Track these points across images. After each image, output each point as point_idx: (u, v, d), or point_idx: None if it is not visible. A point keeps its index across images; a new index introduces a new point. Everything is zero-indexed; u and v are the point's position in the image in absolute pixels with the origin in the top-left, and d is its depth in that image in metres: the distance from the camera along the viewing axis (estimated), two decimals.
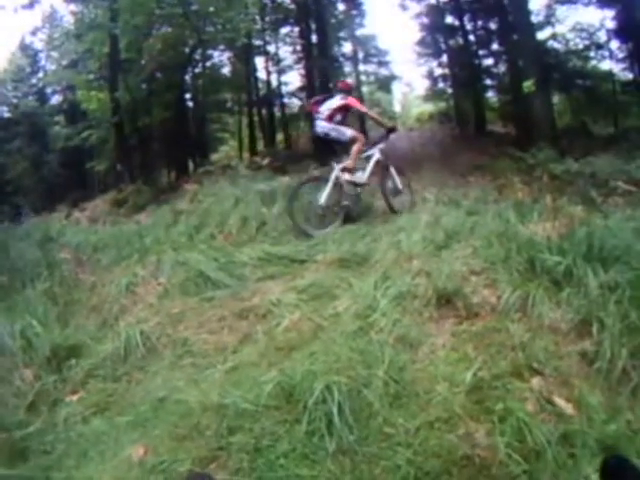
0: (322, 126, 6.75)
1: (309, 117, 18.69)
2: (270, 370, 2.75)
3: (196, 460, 2.27)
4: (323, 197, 6.14)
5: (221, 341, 3.48)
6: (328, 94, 7.69)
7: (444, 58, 20.18)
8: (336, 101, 6.76)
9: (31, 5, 15.42)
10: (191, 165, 19.52)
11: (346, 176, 6.40)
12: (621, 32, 14.44)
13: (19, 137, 27.07)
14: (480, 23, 18.24)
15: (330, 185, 6.24)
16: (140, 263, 5.60)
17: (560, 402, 2.35)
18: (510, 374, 2.54)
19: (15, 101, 28.67)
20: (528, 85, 11.25)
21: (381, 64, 24.11)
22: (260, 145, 21.57)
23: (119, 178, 16.80)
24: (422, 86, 24.43)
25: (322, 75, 16.97)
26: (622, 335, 2.62)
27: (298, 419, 2.33)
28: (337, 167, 6.45)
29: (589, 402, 2.32)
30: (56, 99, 28.39)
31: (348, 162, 6.52)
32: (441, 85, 21.01)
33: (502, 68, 17.82)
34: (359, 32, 23.05)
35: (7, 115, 28.66)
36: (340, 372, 2.48)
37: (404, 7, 20.19)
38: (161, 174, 19.41)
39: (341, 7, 21.42)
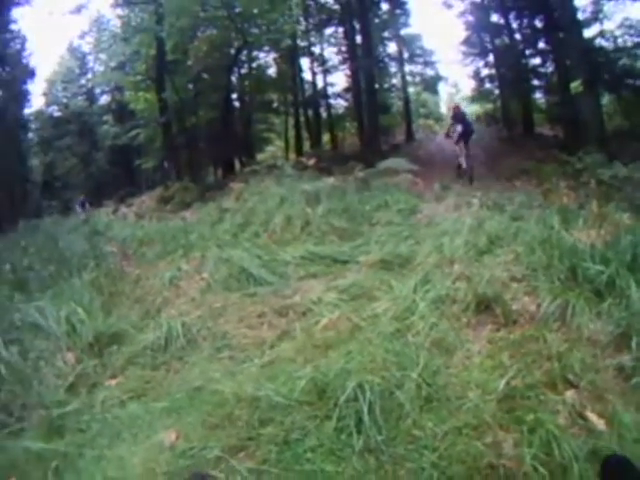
0: None
1: (356, 118, 18.76)
2: (305, 366, 2.80)
3: (225, 448, 2.34)
4: None
5: (260, 336, 3.56)
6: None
7: (490, 58, 19.75)
8: None
9: (78, 10, 16.23)
10: (237, 164, 19.85)
11: None
12: None
13: (69, 135, 28.39)
14: (526, 21, 17.71)
15: None
16: (184, 258, 5.79)
17: (592, 417, 2.29)
18: (544, 385, 2.49)
19: (65, 101, 30.08)
20: (576, 86, 10.86)
21: (427, 64, 23.84)
22: (306, 146, 21.83)
23: (166, 176, 17.33)
24: (468, 87, 23.97)
25: (367, 76, 16.88)
26: None
27: (328, 415, 2.37)
28: None
29: (622, 419, 2.24)
30: (104, 99, 29.62)
31: None
32: (488, 86, 20.60)
33: (550, 68, 17.26)
34: (404, 32, 22.84)
35: (57, 114, 30.08)
36: (374, 372, 2.51)
37: (448, 5, 19.96)
38: (207, 172, 19.86)
39: (385, 7, 21.32)
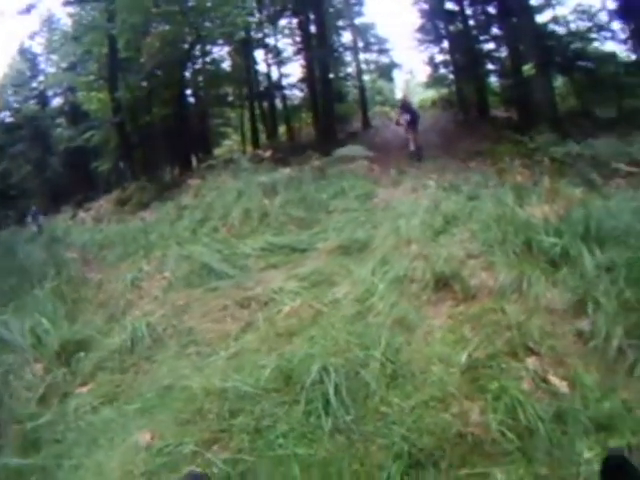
0: None
1: (311, 108, 18.80)
2: (270, 355, 2.84)
3: (199, 442, 2.36)
4: None
5: (224, 329, 3.58)
6: None
7: (445, 44, 19.96)
8: None
9: (28, 10, 15.61)
10: (194, 160, 19.59)
11: None
12: (623, 13, 14.19)
13: (22, 141, 27.24)
14: (480, 8, 18.04)
15: None
16: (145, 259, 5.78)
17: (555, 381, 2.37)
18: (506, 354, 2.57)
19: (17, 105, 28.83)
20: (528, 69, 11.14)
21: (381, 52, 23.91)
22: (263, 138, 21.58)
23: (122, 177, 16.95)
24: (424, 73, 24.17)
25: (322, 65, 16.83)
26: (617, 314, 2.64)
27: (296, 400, 2.41)
28: None
29: (584, 381, 2.34)
30: (57, 102, 28.51)
31: None
32: (442, 71, 20.77)
33: (503, 52, 17.62)
34: (358, 21, 22.86)
35: (9, 120, 28.85)
36: (337, 354, 2.56)
37: None
38: (164, 171, 19.50)
39: None
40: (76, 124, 23.55)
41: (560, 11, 15.35)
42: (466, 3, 18.09)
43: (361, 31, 23.04)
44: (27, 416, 3.16)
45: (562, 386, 2.34)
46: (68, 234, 10.51)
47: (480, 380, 2.43)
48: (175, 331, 3.74)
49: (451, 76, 20.11)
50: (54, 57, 25.06)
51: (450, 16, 18.69)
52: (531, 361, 2.51)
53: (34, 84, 28.60)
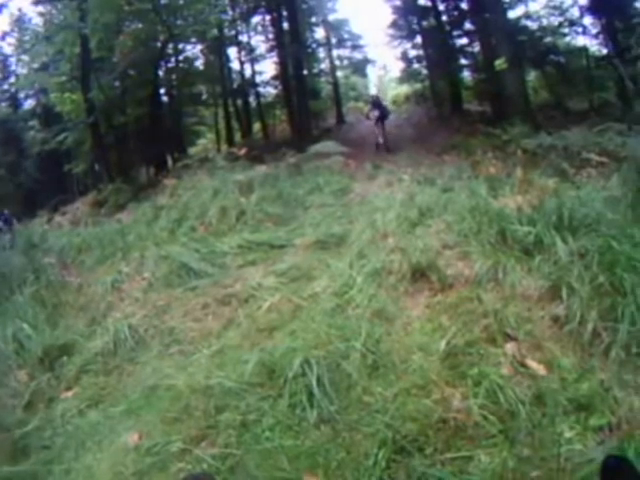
0: None
1: (286, 105, 18.76)
2: (253, 350, 2.87)
3: (187, 440, 2.38)
4: None
5: (206, 327, 3.61)
6: None
7: (418, 39, 20.08)
8: None
9: None
10: (169, 160, 19.37)
11: None
12: (594, 8, 14.49)
13: None
14: (452, 3, 18.19)
15: None
16: (124, 261, 5.72)
17: (533, 364, 2.45)
18: (484, 340, 2.65)
19: None
20: (499, 63, 11.31)
21: (355, 48, 23.92)
22: (237, 136, 21.47)
23: (98, 179, 16.68)
24: (397, 68, 24.26)
25: (295, 62, 16.86)
26: (591, 298, 2.72)
27: (281, 394, 2.45)
28: None
29: (561, 363, 2.42)
30: (29, 103, 27.79)
31: None
32: (416, 66, 20.85)
33: (476, 47, 17.83)
34: (331, 17, 22.88)
35: None
36: (319, 347, 2.60)
37: None
38: (140, 171, 19.23)
39: None
40: (49, 126, 22.97)
41: (532, 7, 15.62)
42: None
43: (334, 27, 23.02)
44: (14, 424, 3.14)
45: (540, 369, 2.41)
46: (45, 239, 10.22)
47: (460, 367, 2.49)
48: (157, 331, 3.74)
49: (424, 71, 20.25)
50: (25, 58, 24.36)
51: (423, 12, 18.80)
52: (509, 346, 2.58)
53: (5, 86, 27.86)
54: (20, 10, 21.07)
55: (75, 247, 8.08)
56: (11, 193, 24.74)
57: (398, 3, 19.82)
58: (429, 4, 18.39)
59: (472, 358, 2.54)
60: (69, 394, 3.38)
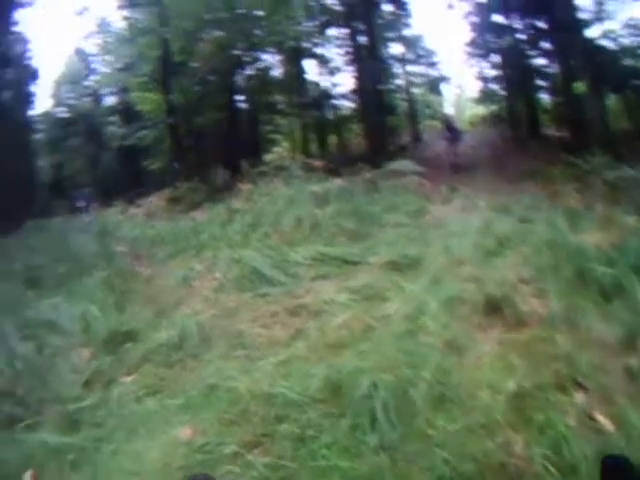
0: None
1: (362, 120, 18.75)
2: (319, 365, 2.85)
3: (241, 444, 2.39)
4: None
5: (274, 335, 3.61)
6: None
7: (495, 58, 19.61)
8: None
9: (83, 11, 16.50)
10: (244, 165, 19.86)
11: None
12: None
13: (76, 136, 28.47)
14: (529, 21, 17.56)
15: None
16: (196, 258, 5.87)
17: (601, 418, 2.31)
18: (553, 386, 2.53)
19: (72, 102, 30.17)
20: (579, 86, 10.80)
21: (430, 65, 23.65)
22: (312, 147, 21.70)
23: (174, 176, 17.31)
24: (474, 88, 23.69)
25: (372, 77, 16.73)
26: None
27: (343, 413, 2.42)
28: None
29: (630, 420, 2.26)
30: (111, 100, 29.62)
31: None
32: (492, 86, 20.42)
33: (554, 68, 17.15)
34: (406, 32, 22.77)
35: (64, 115, 30.20)
36: (387, 371, 2.55)
37: (451, 6, 19.59)
38: (215, 173, 19.84)
39: (387, 8, 21.20)
40: (129, 123, 24.33)
41: (611, 26, 14.78)
42: (516, 17, 17.67)
43: (410, 43, 22.91)
44: (70, 398, 3.25)
45: (608, 424, 2.27)
46: (119, 228, 10.74)
47: (526, 410, 2.39)
48: (224, 332, 3.79)
49: (501, 92, 19.72)
50: (108, 58, 26.02)
51: (499, 29, 18.26)
52: (578, 396, 2.46)
53: (89, 82, 29.84)
54: (104, 13, 22.38)
55: (148, 239, 8.42)
56: (89, 183, 26.41)
57: (476, 20, 19.43)
58: (505, 22, 17.84)
59: (539, 403, 2.42)
60: (128, 379, 3.47)
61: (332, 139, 22.27)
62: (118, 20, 21.20)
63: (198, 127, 18.60)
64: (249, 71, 20.22)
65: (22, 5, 20.74)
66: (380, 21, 19.96)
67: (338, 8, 19.19)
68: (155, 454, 2.46)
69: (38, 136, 28.68)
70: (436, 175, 9.79)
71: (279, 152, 24.72)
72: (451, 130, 13.48)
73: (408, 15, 22.18)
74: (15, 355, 3.84)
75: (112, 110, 28.69)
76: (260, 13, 16.14)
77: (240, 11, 15.70)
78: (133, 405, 3.06)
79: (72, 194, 19.66)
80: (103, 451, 2.62)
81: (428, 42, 23.81)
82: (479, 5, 18.61)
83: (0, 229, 17.11)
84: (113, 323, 4.31)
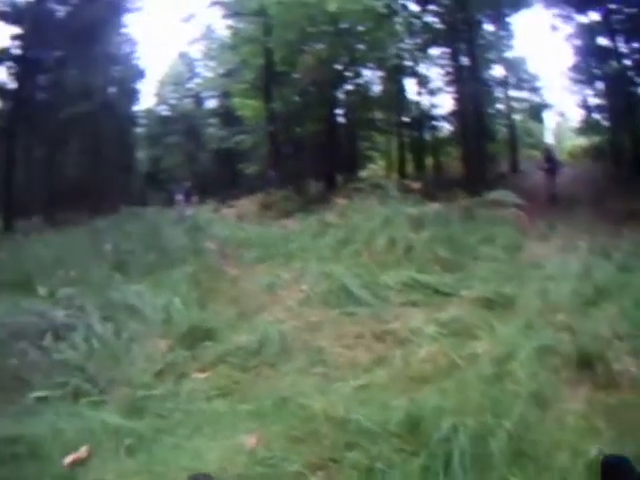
0: None
1: (460, 143, 18.25)
2: (400, 397, 2.78)
3: (306, 464, 2.35)
4: None
5: (356, 357, 3.58)
6: None
7: (599, 85, 18.27)
8: None
9: (188, 19, 17.94)
10: (340, 179, 20.02)
11: None
12: None
13: (176, 134, 30.44)
14: (636, 45, 16.06)
15: None
16: (284, 267, 5.98)
17: None
18: (637, 458, 2.31)
19: (173, 102, 32.32)
20: None
21: (532, 90, 22.53)
22: (408, 167, 21.38)
23: (269, 183, 17.86)
24: (577, 116, 22.14)
25: (474, 99, 16.35)
26: None
27: (417, 452, 2.33)
28: None
29: None
30: (212, 103, 31.36)
31: None
32: (596, 116, 19.04)
33: None
34: (508, 54, 21.89)
35: (166, 113, 32.45)
36: (468, 415, 2.44)
37: (554, 28, 18.50)
38: (310, 184, 20.21)
39: (489, 28, 20.53)
40: (228, 126, 25.60)
41: None
42: (621, 39, 16.26)
43: (512, 66, 22.01)
44: (140, 384, 3.38)
45: None
46: (210, 226, 11.14)
47: None
48: (305, 346, 3.80)
49: (605, 122, 18.36)
50: (211, 63, 27.63)
51: (603, 54, 16.91)
52: None
53: (191, 85, 31.79)
54: (208, 21, 23.48)
55: (237, 240, 8.68)
56: (185, 178, 28.13)
57: (579, 43, 18.22)
58: (610, 45, 16.29)
59: None
60: (202, 376, 3.56)
61: (428, 160, 21.82)
62: (222, 28, 22.46)
63: (297, 137, 19.08)
64: (349, 86, 20.46)
65: (131, 10, 22.93)
66: (482, 41, 19.39)
67: (440, 26, 18.95)
68: (215, 456, 2.47)
69: (140, 130, 31.08)
70: (533, 208, 9.23)
71: (374, 169, 24.66)
72: (550, 161, 13.27)
73: (511, 36, 21.34)
74: (93, 333, 4.04)
75: (212, 113, 30.40)
76: (363, 28, 16.23)
77: (343, 25, 15.88)
78: (202, 403, 3.11)
79: (171, 187, 20.85)
80: (163, 443, 2.68)
81: (531, 66, 22.51)
82: (583, 27, 17.38)
83: (98, 212, 18.69)
84: (194, 319, 4.42)
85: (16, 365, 3.58)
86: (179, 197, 16.91)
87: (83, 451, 2.59)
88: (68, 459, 2.54)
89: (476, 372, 3.05)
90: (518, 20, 22.59)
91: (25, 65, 18.85)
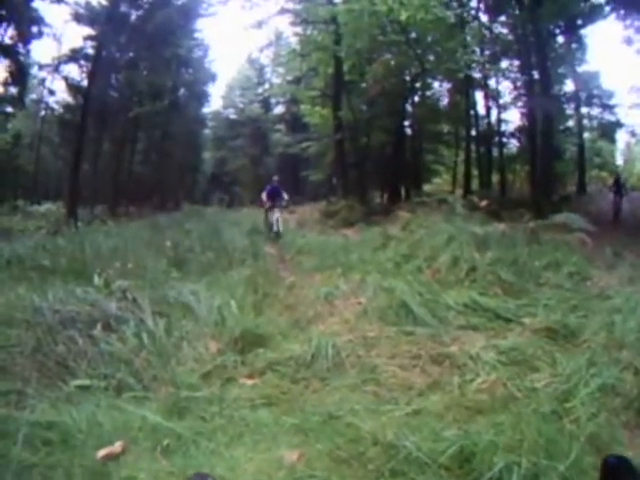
0: None
1: (528, 161, 17.50)
2: (452, 426, 2.68)
3: None
4: None
5: (410, 379, 3.46)
6: None
7: None
8: None
9: (259, 25, 18.33)
10: (403, 192, 19.82)
11: None
12: None
13: (242, 137, 31.53)
14: None
15: None
16: (343, 277, 5.86)
17: None
18: None
19: (241, 106, 33.43)
20: None
21: (605, 108, 21.27)
22: (474, 183, 21.02)
23: (332, 191, 17.98)
24: None
25: (544, 116, 15.63)
26: None
27: None
28: None
29: None
30: (279, 109, 32.15)
31: None
32: None
33: None
34: (581, 69, 20.73)
35: (233, 116, 33.59)
36: (522, 453, 2.31)
37: (629, 41, 17.31)
38: (373, 195, 20.08)
39: (561, 39, 19.53)
40: (294, 132, 26.13)
41: None
42: None
43: (584, 80, 20.83)
44: (185, 384, 3.34)
45: None
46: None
47: None
48: (358, 362, 3.70)
49: None
50: (280, 69, 28.35)
51: None
52: None
53: (259, 90, 32.77)
54: (277, 28, 24.13)
55: (296, 247, 8.74)
56: (249, 181, 28.92)
57: None
58: None
59: None
60: (249, 382, 3.51)
61: (494, 177, 21.23)
62: (290, 35, 22.96)
63: (363, 147, 19.09)
64: (418, 97, 20.21)
65: (204, 15, 24.24)
66: (553, 54, 18.51)
67: (510, 38, 18.36)
68: (253, 468, 2.43)
69: (207, 131, 32.36)
70: (599, 234, 8.76)
71: (439, 183, 24.25)
72: (619, 185, 14.41)
73: (584, 49, 20.27)
74: (144, 328, 4.04)
75: (279, 118, 31.23)
76: (433, 38, 16.12)
77: (414, 35, 15.82)
78: (246, 411, 3.04)
79: (232, 189, 21.56)
80: (201, 447, 2.61)
81: (605, 81, 21.24)
82: None
83: (161, 208, 19.52)
84: (248, 323, 4.39)
85: (62, 352, 3.60)
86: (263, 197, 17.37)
87: (117, 446, 2.57)
88: (102, 452, 2.51)
89: (534, 407, 2.88)
90: (592, 32, 21.18)
91: (97, 64, 20.09)
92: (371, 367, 3.62)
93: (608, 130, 21.80)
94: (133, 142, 24.39)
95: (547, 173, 15.68)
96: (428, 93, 20.91)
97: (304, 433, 2.76)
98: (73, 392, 3.25)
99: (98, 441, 2.60)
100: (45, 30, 20.16)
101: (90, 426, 2.73)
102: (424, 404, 3.05)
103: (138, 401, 3.16)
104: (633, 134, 24.12)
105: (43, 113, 25.23)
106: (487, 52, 19.45)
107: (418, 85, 19.50)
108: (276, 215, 11.30)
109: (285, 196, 12.32)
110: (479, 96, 21.03)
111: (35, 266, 6.29)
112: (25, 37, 19.43)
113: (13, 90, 20.22)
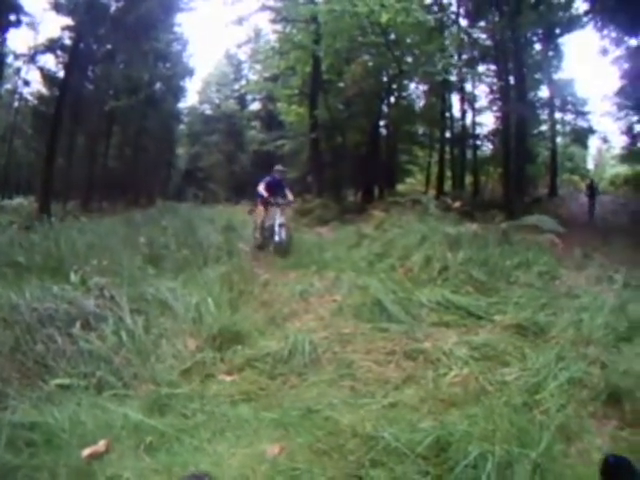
0: None
1: (501, 164, 17.97)
2: (428, 418, 2.77)
3: (329, 479, 2.34)
4: None
5: (385, 374, 3.54)
6: None
7: None
8: None
9: (239, 21, 18.18)
10: (377, 191, 19.98)
11: None
12: None
13: (217, 133, 31.22)
14: None
15: None
16: (317, 275, 5.95)
17: None
18: None
19: (217, 102, 33.11)
20: None
21: (578, 114, 22.03)
22: (447, 183, 21.43)
23: (306, 189, 17.96)
24: (620, 143, 21.48)
25: (519, 120, 16.10)
26: None
27: (441, 476, 2.32)
28: None
29: None
30: (255, 106, 31.97)
31: None
32: None
33: None
34: (556, 76, 21.42)
35: (209, 112, 33.25)
36: (495, 442, 2.41)
37: (605, 51, 17.93)
38: (347, 194, 20.15)
39: (538, 47, 20.10)
40: (270, 130, 26.07)
41: None
42: None
43: (559, 87, 21.53)
44: (166, 382, 3.35)
45: None
46: (244, 227, 11.19)
47: None
48: (335, 358, 3.77)
49: None
50: (257, 67, 28.19)
51: None
52: None
53: (235, 86, 32.52)
54: (257, 25, 24.24)
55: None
56: (224, 177, 28.71)
57: (626, 67, 17.63)
58: None
59: None
60: (228, 378, 3.53)
61: (467, 178, 21.75)
62: (270, 33, 22.87)
63: (338, 146, 19.18)
64: (394, 98, 20.41)
65: (184, 9, 23.88)
66: (530, 61, 19.10)
67: (488, 43, 18.76)
68: (236, 462, 2.47)
69: (182, 127, 31.94)
70: (569, 236, 9.05)
71: (412, 183, 24.53)
72: (590, 189, 15.44)
73: (560, 57, 20.94)
74: (123, 325, 4.01)
75: (255, 115, 31.02)
76: (412, 41, 16.37)
77: (393, 37, 16.02)
78: (226, 407, 3.07)
79: (206, 185, 21.37)
80: (184, 443, 2.63)
81: (579, 88, 22.05)
82: (633, 50, 16.86)
83: (137, 204, 19.16)
84: (225, 320, 4.38)
85: (42, 351, 3.55)
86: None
87: (101, 445, 2.56)
88: (86, 452, 2.50)
89: (505, 399, 3.00)
90: (568, 41, 22.03)
91: (74, 56, 19.54)
92: (347, 363, 3.70)
93: (581, 136, 22.57)
94: (108, 136, 23.91)
95: (519, 175, 16.14)
96: (404, 94, 21.19)
97: (284, 427, 2.80)
98: (54, 391, 3.22)
99: (81, 440, 2.60)
100: (23, 19, 19.62)
101: (73, 425, 2.72)
102: (400, 397, 3.14)
103: (119, 399, 3.16)
104: (605, 140, 25.21)
105: (17, 104, 24.55)
106: (465, 56, 19.82)
107: (395, 86, 19.73)
108: (279, 219, 8.56)
109: (290, 196, 9.51)
110: (455, 99, 21.53)
111: (10, 262, 6.09)
112: (2, 25, 18.82)
113: None
